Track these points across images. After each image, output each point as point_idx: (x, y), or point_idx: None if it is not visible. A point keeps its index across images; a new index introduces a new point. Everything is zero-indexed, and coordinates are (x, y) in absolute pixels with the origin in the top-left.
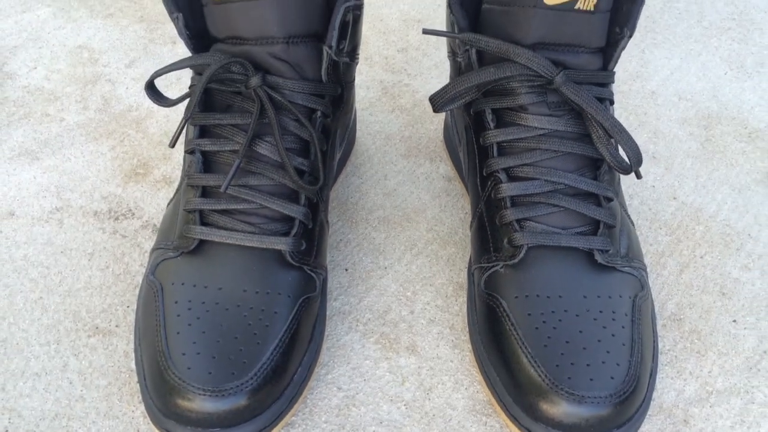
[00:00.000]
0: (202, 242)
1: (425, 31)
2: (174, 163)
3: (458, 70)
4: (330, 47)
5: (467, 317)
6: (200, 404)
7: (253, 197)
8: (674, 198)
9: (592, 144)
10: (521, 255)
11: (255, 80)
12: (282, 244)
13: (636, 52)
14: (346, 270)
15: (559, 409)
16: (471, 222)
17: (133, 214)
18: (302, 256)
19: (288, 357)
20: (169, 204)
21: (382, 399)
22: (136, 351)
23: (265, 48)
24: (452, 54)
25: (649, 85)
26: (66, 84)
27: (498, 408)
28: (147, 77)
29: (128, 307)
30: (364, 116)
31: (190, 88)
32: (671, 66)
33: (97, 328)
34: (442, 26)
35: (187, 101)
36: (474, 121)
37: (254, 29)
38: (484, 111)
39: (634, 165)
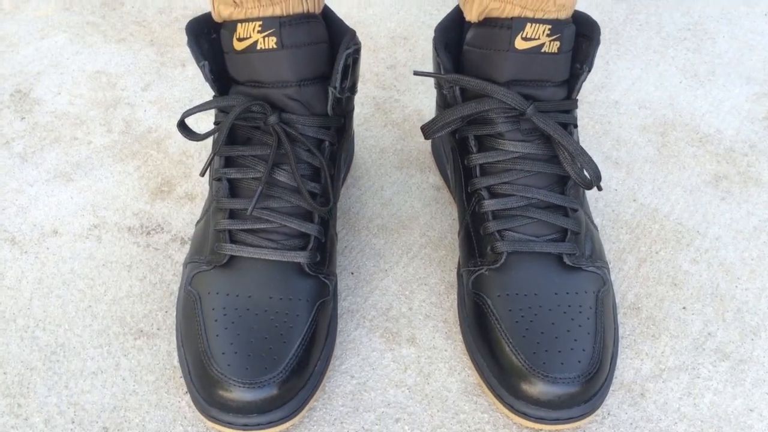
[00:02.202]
0: (231, 257)
1: (416, 73)
2: (194, 180)
3: (444, 100)
4: (334, 88)
5: (458, 312)
6: (240, 394)
7: (274, 218)
8: (634, 200)
9: (559, 164)
10: (502, 260)
11: (273, 118)
12: (301, 257)
13: (601, 63)
14: (352, 273)
15: (537, 388)
16: (459, 230)
17: (162, 228)
18: (317, 266)
19: (309, 352)
20: (198, 223)
21: (388, 384)
22: (179, 350)
23: (280, 90)
24: (439, 87)
25: (613, 95)
26: (89, 108)
27: (486, 389)
28: (162, 99)
29: (166, 312)
30: (360, 131)
31: (215, 124)
32: (632, 76)
33: (141, 331)
34: (426, 43)
35: (212, 135)
36: (459, 144)
37: (271, 75)
38: (467, 137)
39: (594, 181)
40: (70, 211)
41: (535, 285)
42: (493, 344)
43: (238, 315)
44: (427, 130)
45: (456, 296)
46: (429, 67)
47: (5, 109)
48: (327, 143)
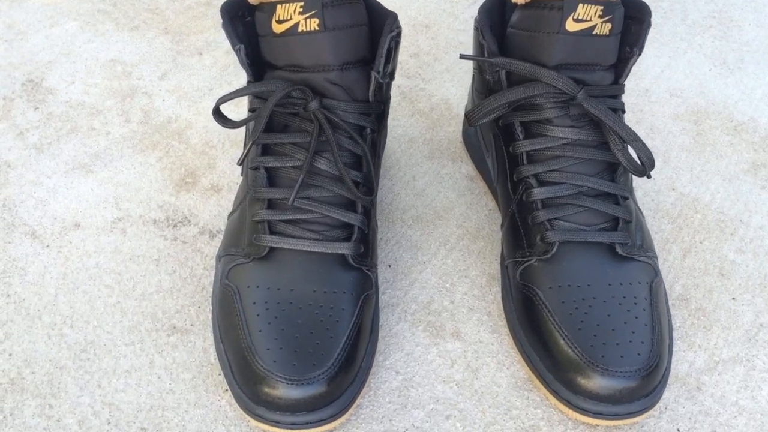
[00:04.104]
0: (271, 249)
1: (462, 57)
2: (218, 171)
3: (486, 86)
4: (378, 72)
5: (503, 305)
6: (287, 392)
7: (316, 208)
8: (673, 189)
9: (609, 150)
10: (553, 250)
11: (314, 104)
12: (345, 249)
13: None
14: (389, 266)
15: (595, 382)
16: (502, 222)
17: (189, 221)
18: (361, 257)
19: (356, 347)
20: (231, 215)
21: (435, 380)
22: (217, 347)
23: (321, 74)
24: (479, 71)
25: (643, 83)
26: (105, 98)
27: (539, 384)
28: (180, 89)
29: (199, 307)
30: (388, 121)
31: (249, 111)
32: (661, 64)
33: (174, 327)
34: (449, 31)
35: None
36: (503, 131)
37: (313, 58)
38: (513, 123)
39: (648, 168)
40: (91, 203)
41: (588, 276)
42: (546, 337)
43: (281, 309)
44: (473, 116)
45: (499, 289)
46: (452, 56)
47: (17, 98)
48: (368, 130)
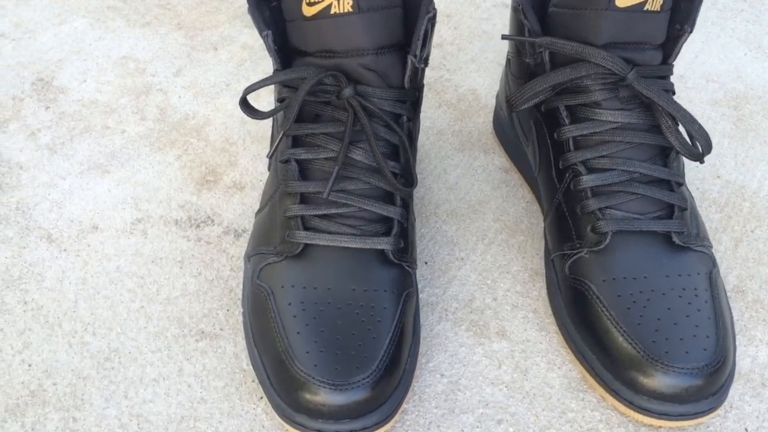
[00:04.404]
0: (305, 245)
1: (504, 37)
2: (240, 169)
3: (524, 70)
4: (414, 56)
5: (550, 301)
6: (330, 398)
7: (352, 201)
8: (718, 177)
9: (661, 134)
10: (606, 241)
11: (348, 90)
12: (385, 244)
13: None
14: (426, 263)
15: (659, 381)
16: (545, 213)
17: (212, 221)
18: (401, 253)
19: (400, 348)
20: (259, 212)
21: (483, 382)
22: (251, 352)
23: (355, 59)
24: (516, 54)
25: (677, 69)
26: (119, 95)
27: (595, 383)
28: (196, 85)
29: (228, 310)
30: None
31: (277, 101)
32: (695, 49)
33: (202, 332)
34: (472, 20)
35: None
36: (545, 117)
37: (346, 42)
38: (557, 108)
39: (705, 150)
40: (109, 204)
41: (644, 267)
42: (601, 334)
43: (318, 309)
44: (515, 101)
45: (544, 284)
46: (476, 45)
47: (27, 98)
48: (404, 118)
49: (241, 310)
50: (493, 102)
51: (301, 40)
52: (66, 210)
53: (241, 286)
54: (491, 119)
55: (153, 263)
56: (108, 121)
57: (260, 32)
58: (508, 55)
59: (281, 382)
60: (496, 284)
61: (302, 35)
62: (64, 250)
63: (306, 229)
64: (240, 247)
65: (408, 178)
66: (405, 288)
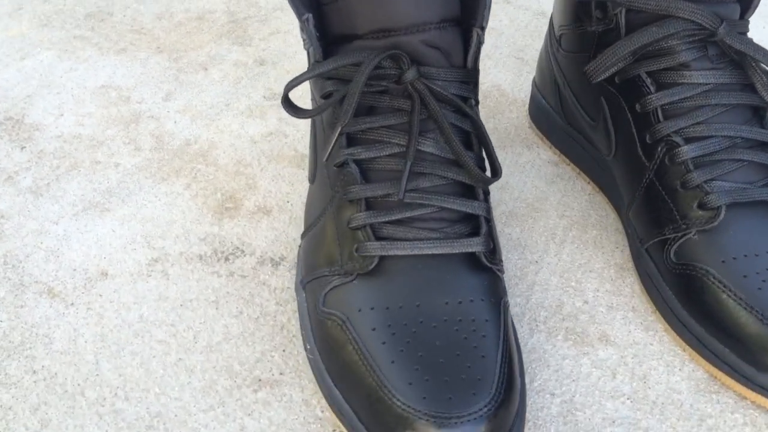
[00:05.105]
0: (380, 259)
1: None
2: (262, 191)
3: (589, 41)
4: (482, 28)
5: (650, 296)
6: None
7: (430, 200)
8: None
9: (756, 93)
10: (721, 216)
11: (411, 73)
12: (476, 246)
13: None
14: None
15: None
16: (630, 199)
17: (243, 251)
18: (491, 255)
19: (512, 366)
20: (306, 234)
21: (601, 397)
22: (328, 394)
23: (417, 36)
24: (576, 25)
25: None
26: (104, 127)
27: (730, 381)
28: (192, 107)
29: (284, 350)
30: None
31: (322, 98)
32: None
33: (259, 380)
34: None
35: (322, 111)
36: (623, 89)
37: (405, 17)
38: (638, 76)
39: None
40: (116, 246)
41: (764, 242)
42: (730, 323)
43: (410, 331)
44: (596, 70)
45: (635, 279)
46: (487, 42)
47: None
48: (473, 101)
49: (305, 346)
50: (520, 96)
51: (346, 20)
52: (65, 258)
53: (295, 321)
54: (524, 113)
55: (182, 307)
56: (97, 156)
57: (299, 16)
58: (557, 31)
59: (380, 425)
60: (582, 285)
61: (348, 15)
62: (71, 304)
63: (379, 239)
64: (281, 277)
65: (494, 166)
66: (500, 296)
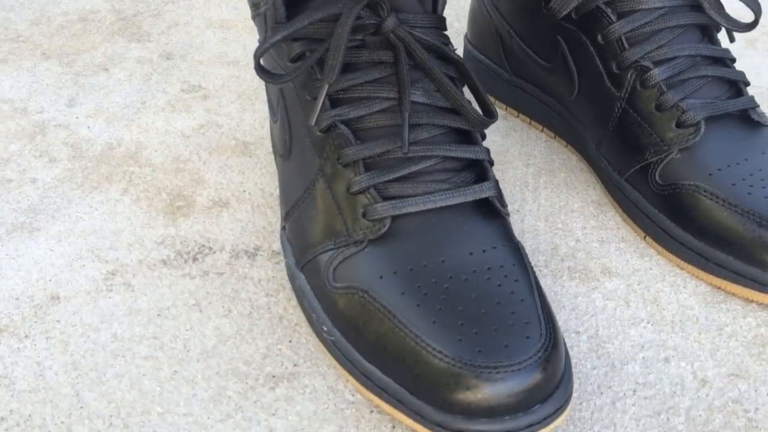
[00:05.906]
0: (392, 219)
1: None
2: (213, 184)
3: None
4: None
5: (636, 224)
6: (512, 384)
7: (432, 151)
8: None
9: (705, 12)
10: (702, 132)
11: (392, 21)
12: (488, 191)
13: None
14: None
15: None
16: (603, 133)
17: (210, 248)
18: (501, 199)
19: (549, 307)
20: (289, 216)
21: (623, 326)
22: (363, 373)
23: None
24: None
25: None
26: (6, 143)
27: (735, 288)
28: (104, 110)
29: (290, 341)
30: None
31: (291, 61)
32: None
33: (273, 376)
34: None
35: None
36: (582, 23)
37: None
38: (597, 8)
39: (757, 15)
40: (59, 266)
41: (741, 151)
42: (730, 231)
43: (443, 288)
44: (560, 5)
45: (615, 212)
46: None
47: None
48: (451, 47)
49: (319, 330)
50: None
51: None
52: (2, 288)
53: (292, 309)
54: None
55: (160, 317)
56: (6, 173)
57: None
58: None
59: (435, 390)
60: (568, 226)
61: None
62: (26, 336)
63: (386, 199)
64: (262, 267)
65: (489, 109)
66: (514, 240)
